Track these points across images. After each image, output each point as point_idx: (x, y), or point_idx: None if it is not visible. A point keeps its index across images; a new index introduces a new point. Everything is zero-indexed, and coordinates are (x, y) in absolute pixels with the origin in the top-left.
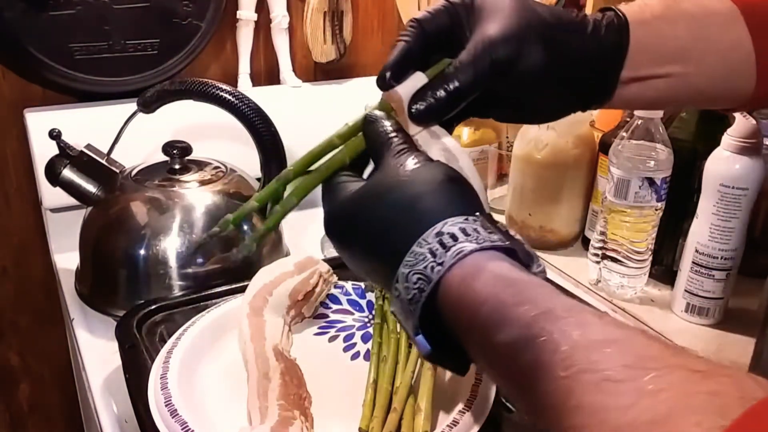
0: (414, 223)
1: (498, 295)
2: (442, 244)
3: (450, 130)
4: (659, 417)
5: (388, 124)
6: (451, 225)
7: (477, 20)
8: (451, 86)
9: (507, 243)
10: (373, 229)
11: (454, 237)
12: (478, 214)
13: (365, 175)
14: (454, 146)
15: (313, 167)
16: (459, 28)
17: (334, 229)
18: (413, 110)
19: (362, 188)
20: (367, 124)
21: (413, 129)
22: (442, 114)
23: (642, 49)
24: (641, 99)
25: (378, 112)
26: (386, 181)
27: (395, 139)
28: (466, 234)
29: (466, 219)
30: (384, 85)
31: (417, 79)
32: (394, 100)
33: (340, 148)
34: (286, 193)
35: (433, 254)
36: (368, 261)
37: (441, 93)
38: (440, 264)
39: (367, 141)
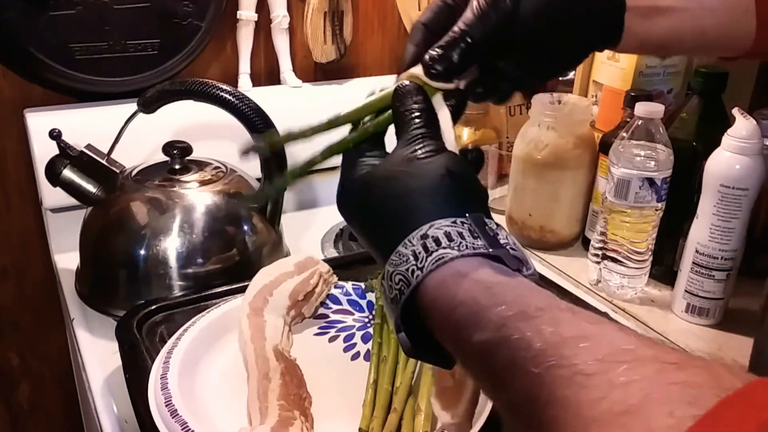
0: (405, 219)
1: (474, 298)
2: (425, 247)
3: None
4: (631, 408)
5: (412, 102)
6: (437, 228)
7: None
8: (460, 37)
9: (490, 251)
10: (373, 215)
11: (437, 241)
12: (467, 216)
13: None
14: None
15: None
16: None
17: (342, 203)
18: (432, 68)
19: (373, 170)
20: (395, 96)
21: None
22: (454, 67)
23: None
24: (649, 39)
25: (409, 86)
26: (391, 168)
27: (415, 120)
28: (450, 239)
29: (454, 222)
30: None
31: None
32: (413, 75)
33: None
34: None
35: (416, 257)
36: (368, 244)
37: (451, 43)
38: (420, 269)
39: (393, 114)
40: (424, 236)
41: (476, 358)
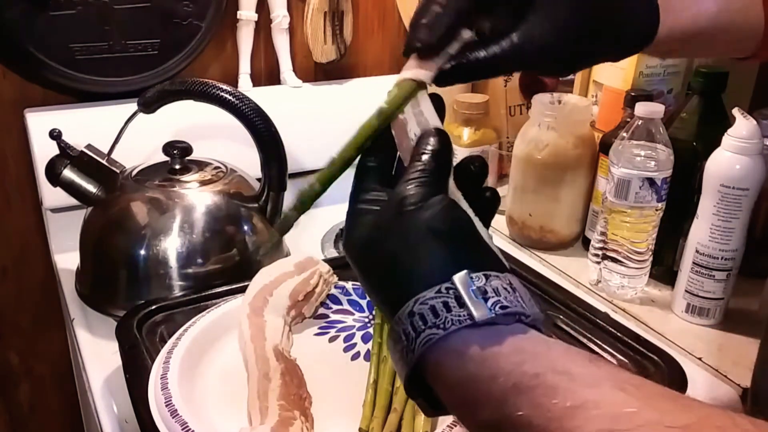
0: (396, 289)
1: (470, 375)
2: (413, 327)
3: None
4: None
5: (426, 141)
6: (422, 303)
7: None
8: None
9: (477, 319)
10: (372, 278)
11: (423, 319)
12: (452, 280)
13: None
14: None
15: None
16: None
17: (349, 256)
18: (414, 42)
19: (372, 224)
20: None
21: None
22: (435, 33)
23: None
24: (672, 36)
25: (433, 128)
26: (385, 223)
27: (416, 163)
28: (436, 315)
29: (438, 291)
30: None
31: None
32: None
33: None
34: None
35: (407, 337)
36: (375, 303)
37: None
38: (412, 351)
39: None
40: (411, 314)
41: None
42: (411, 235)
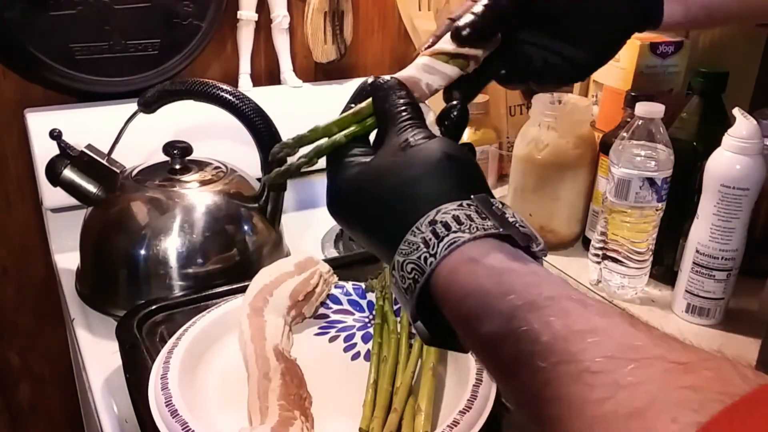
0: (409, 209)
1: (483, 287)
2: (435, 233)
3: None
4: (635, 411)
5: (396, 96)
6: (444, 213)
7: None
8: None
9: (500, 230)
10: (372, 213)
11: (447, 226)
12: (472, 197)
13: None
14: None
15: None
16: None
17: (336, 207)
18: (461, 31)
19: (363, 169)
20: (375, 89)
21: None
22: (485, 32)
23: None
24: (692, 9)
25: (389, 80)
26: (385, 162)
27: (403, 113)
28: (459, 222)
29: (461, 205)
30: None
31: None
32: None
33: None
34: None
35: (427, 244)
36: (368, 242)
37: (482, 9)
38: (433, 255)
39: (375, 111)
40: (433, 222)
41: (485, 349)
42: (425, 162)
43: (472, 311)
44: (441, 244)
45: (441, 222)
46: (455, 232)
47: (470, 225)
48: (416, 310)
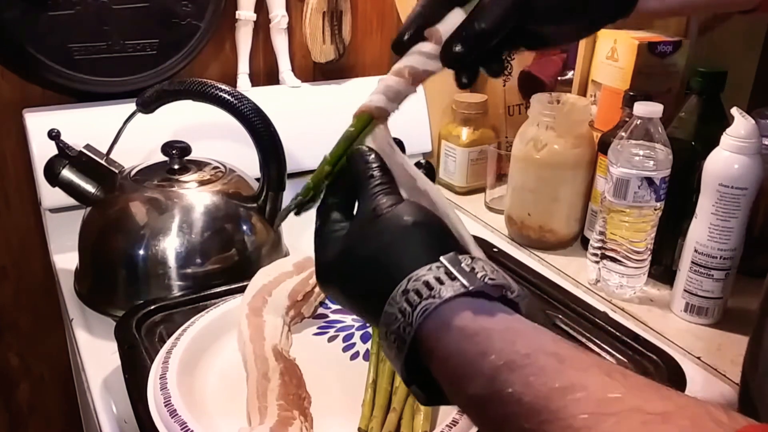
0: (384, 281)
1: (461, 349)
2: (409, 302)
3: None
4: None
5: (364, 162)
6: (415, 280)
7: None
8: (479, 27)
9: (470, 287)
10: (353, 287)
11: (419, 293)
12: (441, 259)
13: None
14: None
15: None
16: None
17: (323, 283)
18: (447, 54)
19: (343, 241)
20: (349, 161)
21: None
22: (472, 56)
23: None
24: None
25: (360, 149)
26: (358, 235)
27: (370, 179)
28: (430, 288)
29: (430, 269)
30: (399, 48)
31: (456, 16)
32: (435, 39)
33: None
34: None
35: (403, 314)
36: (359, 312)
37: (470, 36)
38: (409, 324)
39: (353, 178)
40: (405, 291)
41: (472, 409)
42: (393, 230)
43: (456, 373)
44: (415, 313)
45: (413, 290)
46: (426, 299)
47: (440, 289)
48: (406, 374)
